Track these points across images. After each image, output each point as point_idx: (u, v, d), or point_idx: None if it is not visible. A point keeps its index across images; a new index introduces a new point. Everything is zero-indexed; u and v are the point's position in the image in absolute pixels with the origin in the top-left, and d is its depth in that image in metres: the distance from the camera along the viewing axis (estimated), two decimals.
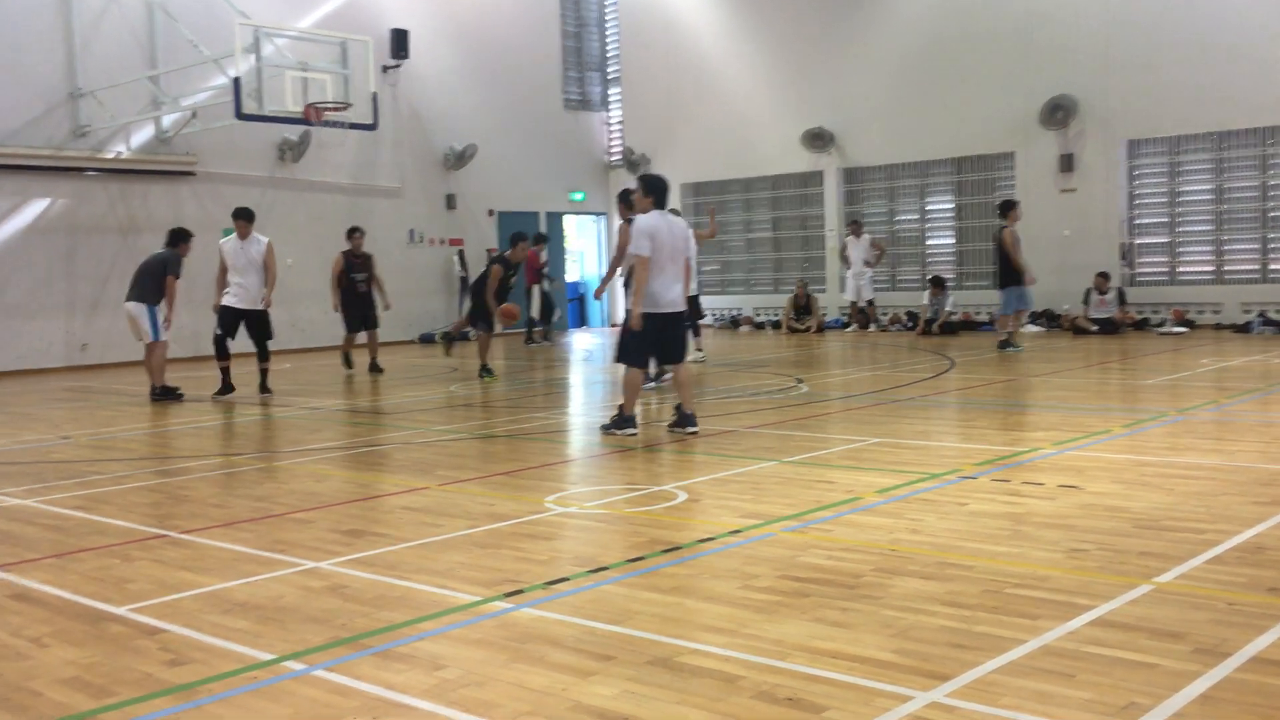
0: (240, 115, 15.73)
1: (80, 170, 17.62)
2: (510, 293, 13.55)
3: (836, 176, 22.08)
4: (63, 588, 4.84)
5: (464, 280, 22.26)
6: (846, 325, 20.99)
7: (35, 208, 17.20)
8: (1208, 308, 18.00)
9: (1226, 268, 18.18)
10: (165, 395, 12.41)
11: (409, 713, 3.31)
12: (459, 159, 22.39)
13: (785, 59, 22.41)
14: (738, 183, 23.56)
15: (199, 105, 17.87)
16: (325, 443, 9.09)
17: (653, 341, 8.62)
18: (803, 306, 21.18)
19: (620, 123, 25.57)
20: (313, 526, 5.90)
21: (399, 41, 21.09)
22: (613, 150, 25.81)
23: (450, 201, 22.58)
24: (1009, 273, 14.79)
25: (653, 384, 11.95)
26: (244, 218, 12.40)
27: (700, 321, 14.80)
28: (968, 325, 19.35)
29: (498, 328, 14.06)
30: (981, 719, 3.11)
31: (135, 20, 18.20)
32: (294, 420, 10.68)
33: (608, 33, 25.84)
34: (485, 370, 13.57)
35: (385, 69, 20.93)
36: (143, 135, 18.37)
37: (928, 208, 21.39)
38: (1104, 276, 17.81)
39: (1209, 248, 18.32)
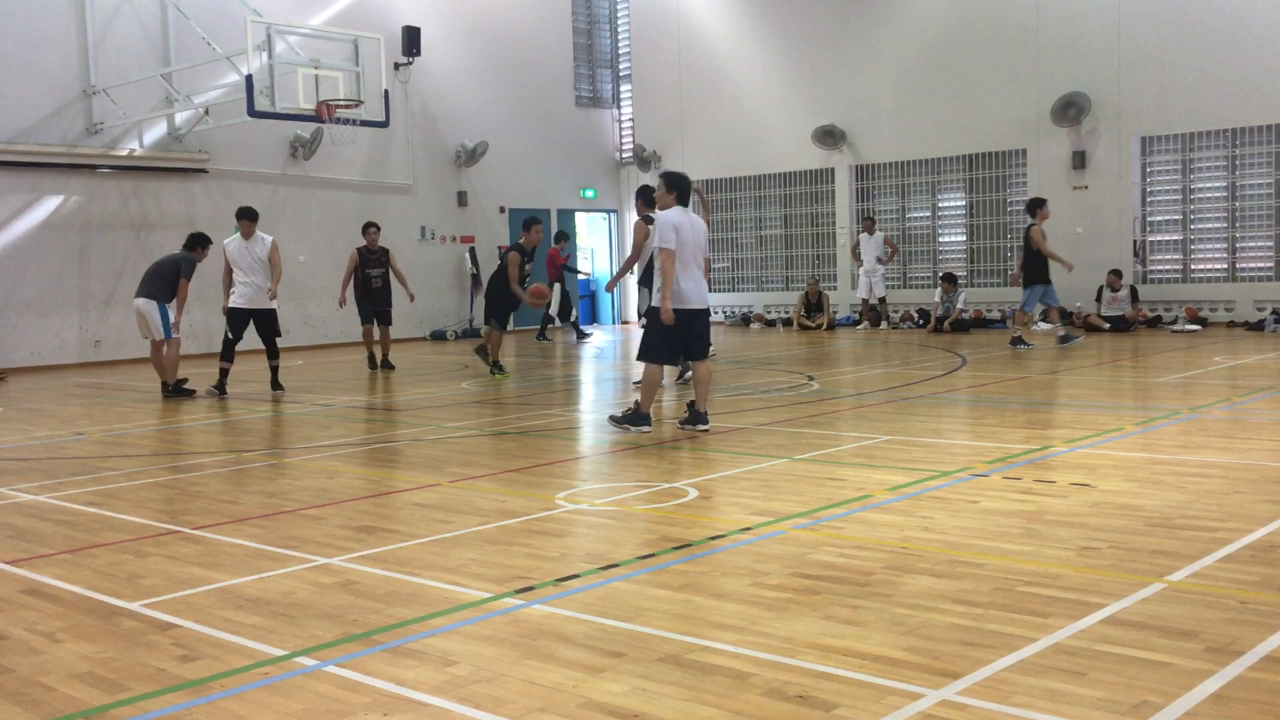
0: (252, 113, 15.76)
1: (93, 167, 17.69)
2: (529, 279, 13.61)
3: (848, 174, 22.05)
4: (76, 583, 4.86)
5: (475, 277, 22.30)
6: (858, 322, 20.96)
7: (49, 205, 17.28)
8: (1220, 305, 17.93)
9: (1240, 265, 18.10)
10: (179, 392, 12.45)
11: (420, 709, 3.32)
12: (470, 156, 22.41)
13: (797, 56, 22.38)
14: (749, 180, 23.53)
15: (211, 102, 17.93)
16: (337, 439, 9.11)
17: (678, 337, 8.57)
18: (814, 304, 21.15)
19: (631, 120, 25.57)
20: (324, 523, 5.91)
21: (411, 39, 21.12)
22: (624, 147, 25.80)
23: (462, 199, 22.61)
24: (1036, 270, 14.68)
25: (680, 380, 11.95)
26: (248, 217, 12.42)
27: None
28: (979, 322, 19.30)
29: (510, 324, 14.12)
30: (993, 717, 3.10)
31: (148, 18, 18.26)
32: (306, 417, 10.70)
33: (619, 30, 25.83)
34: (497, 367, 13.60)
35: (397, 66, 20.97)
36: (155, 132, 18.44)
37: (939, 205, 21.34)
38: (1116, 274, 17.76)
39: (1222, 245, 18.25)
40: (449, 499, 6.44)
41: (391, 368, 14.84)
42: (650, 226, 11.56)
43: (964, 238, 20.98)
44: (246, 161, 19.29)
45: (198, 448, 9.19)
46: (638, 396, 8.89)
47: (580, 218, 25.14)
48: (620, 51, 25.86)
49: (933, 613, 4.00)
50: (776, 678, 3.44)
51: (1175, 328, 17.33)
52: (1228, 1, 17.42)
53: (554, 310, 20.34)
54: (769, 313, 22.82)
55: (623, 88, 25.89)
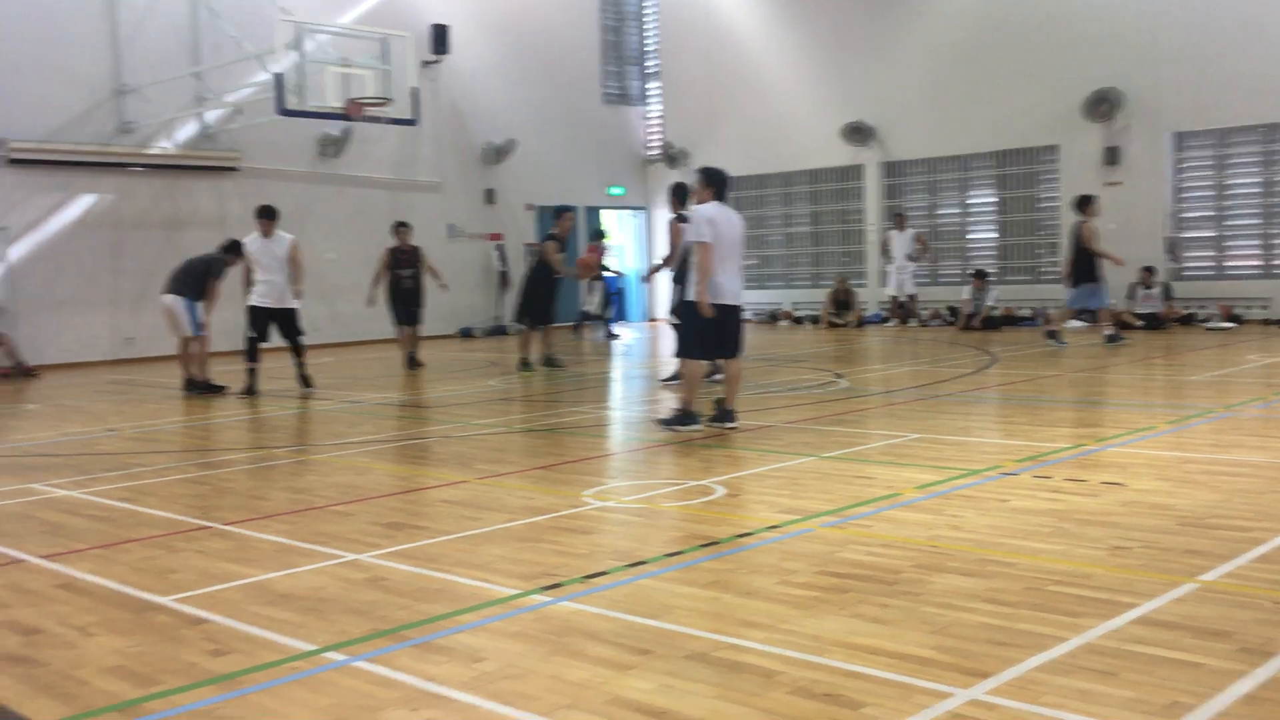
0: (282, 111, 15.87)
1: (125, 166, 17.85)
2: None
3: (877, 170, 21.95)
4: (109, 578, 4.91)
5: (503, 275, 22.36)
6: (886, 320, 20.86)
7: (82, 203, 17.45)
8: (1255, 303, 17.72)
9: (1275, 262, 17.88)
10: (209, 389, 12.54)
11: (448, 704, 3.33)
12: (498, 154, 22.46)
13: (825, 52, 22.29)
14: (777, 176, 23.46)
15: (242, 101, 18.06)
16: (365, 436, 9.16)
17: (713, 334, 8.47)
18: (842, 301, 21.07)
19: (659, 117, 25.55)
20: (353, 519, 5.94)
21: (439, 37, 21.17)
22: (651, 145, 25.78)
23: (490, 196, 22.67)
24: (1085, 269, 14.45)
25: (676, 381, 11.95)
26: (268, 216, 12.39)
27: None
28: (1009, 320, 19.16)
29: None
30: (1022, 717, 3.08)
31: (179, 17, 18.40)
32: (334, 414, 10.77)
33: (647, 27, 25.81)
34: (525, 364, 13.67)
35: (425, 64, 21.01)
36: (186, 131, 18.58)
37: (969, 202, 21.21)
38: (1149, 271, 17.58)
39: (1257, 242, 18.04)
40: (477, 496, 6.46)
41: (419, 365, 14.82)
42: (683, 224, 11.58)
43: (995, 234, 20.83)
44: (276, 160, 19.41)
45: (228, 444, 9.26)
46: (679, 394, 8.78)
47: (608, 215, 25.15)
48: (648, 48, 25.84)
49: (962, 612, 3.98)
50: (804, 676, 3.43)
51: (1209, 325, 17.15)
52: None
53: (596, 307, 20.32)
54: (797, 310, 22.75)
55: (651, 85, 25.87)
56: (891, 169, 21.90)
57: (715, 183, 8.55)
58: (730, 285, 8.39)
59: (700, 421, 8.46)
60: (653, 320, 24.77)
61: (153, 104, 17.68)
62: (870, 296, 21.86)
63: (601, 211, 24.65)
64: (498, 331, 22.12)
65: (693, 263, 8.43)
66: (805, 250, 23.35)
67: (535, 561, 4.89)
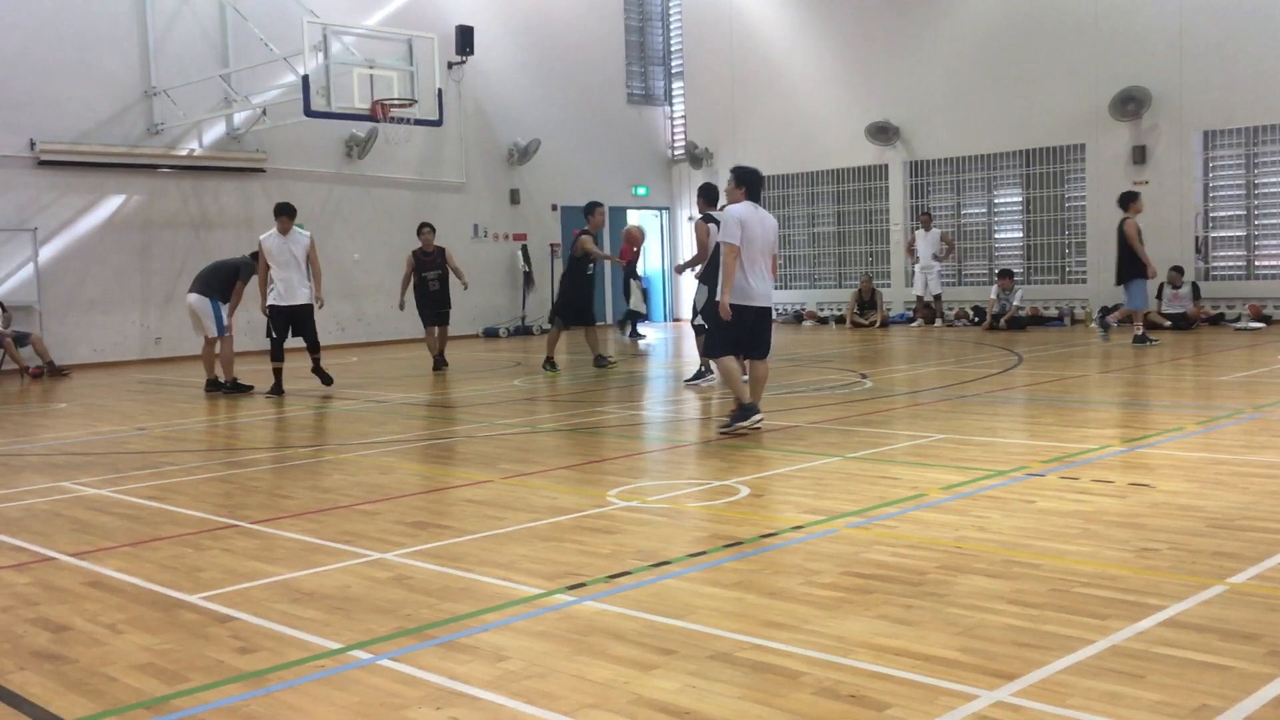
0: (309, 112, 15.98)
1: (154, 167, 18.01)
2: (595, 266, 13.96)
3: (902, 170, 21.86)
4: (137, 575, 4.95)
5: (527, 275, 22.42)
6: (911, 320, 20.78)
7: (111, 204, 17.61)
8: None
9: None
10: (236, 389, 12.63)
11: (472, 703, 3.34)
12: (523, 154, 22.52)
13: (849, 51, 22.23)
14: (801, 176, 23.41)
15: (269, 103, 18.18)
16: (391, 436, 9.20)
17: (742, 334, 8.40)
18: (867, 301, 21.01)
19: (683, 117, 25.54)
20: (379, 518, 5.97)
21: (464, 38, 21.25)
22: (676, 144, 25.79)
23: (514, 196, 22.73)
24: (1131, 266, 14.29)
25: (703, 380, 11.92)
26: (286, 213, 12.32)
27: None
28: (1036, 320, 19.05)
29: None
30: (1048, 719, 3.06)
31: (207, 20, 18.55)
32: (360, 413, 10.82)
33: (671, 27, 25.82)
34: (550, 364, 13.71)
35: (450, 65, 21.11)
36: (214, 133, 18.73)
37: (995, 201, 21.10)
38: (1178, 271, 17.43)
39: None
40: (501, 495, 6.47)
41: (445, 365, 14.85)
42: (710, 225, 11.56)
43: (1021, 234, 20.72)
44: (303, 161, 19.53)
45: (255, 443, 9.32)
46: (730, 392, 8.62)
47: (632, 215, 25.15)
48: (672, 49, 25.84)
49: (987, 613, 3.96)
50: (829, 677, 3.42)
51: (1238, 325, 16.99)
52: None
53: (635, 304, 20.31)
54: (821, 310, 22.69)
55: (674, 85, 25.88)
56: (916, 168, 21.82)
57: (746, 182, 8.47)
58: (760, 287, 8.33)
59: (758, 409, 8.31)
60: (677, 320, 24.77)
61: (181, 106, 17.82)
62: (895, 296, 21.78)
63: (628, 212, 24.67)
64: (522, 331, 22.17)
65: (721, 263, 8.36)
66: (830, 250, 23.29)
67: (559, 561, 4.90)
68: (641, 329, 20.36)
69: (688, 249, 22.75)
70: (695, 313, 12.19)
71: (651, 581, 4.54)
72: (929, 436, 7.94)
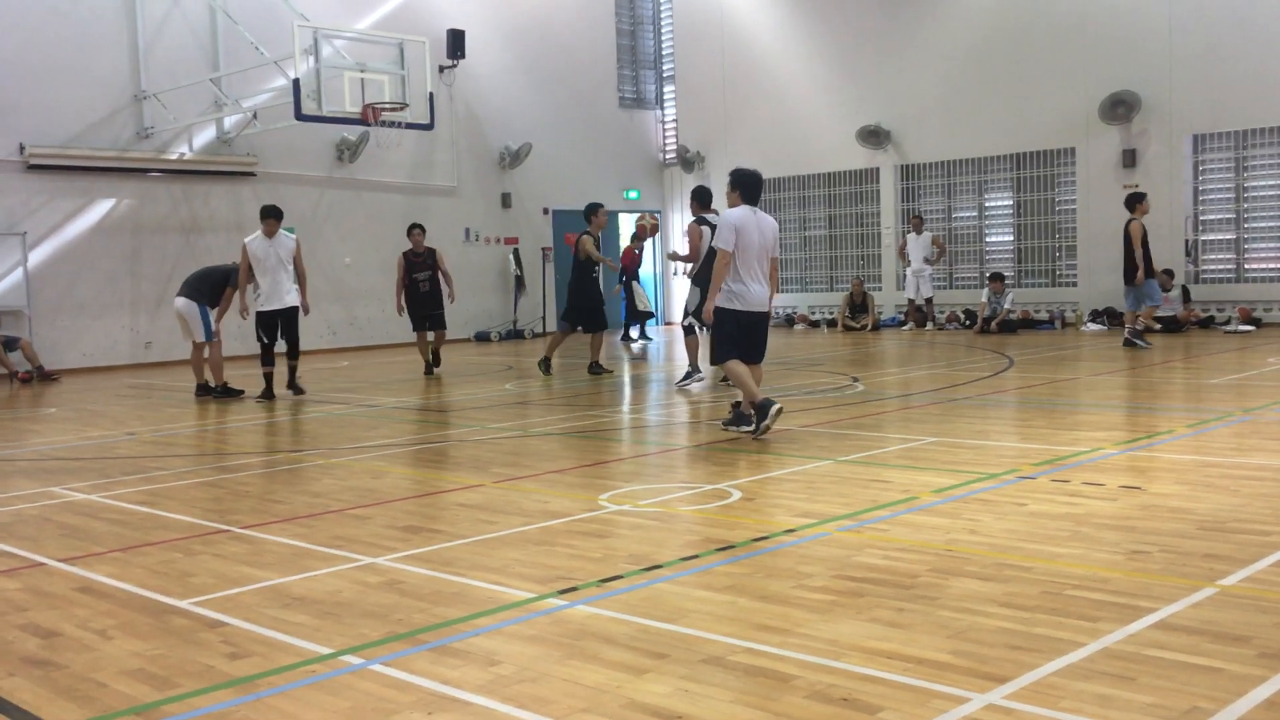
0: (300, 116, 15.95)
1: (144, 171, 17.96)
2: (599, 268, 13.90)
3: (893, 173, 21.91)
4: (127, 581, 4.94)
5: (519, 279, 22.41)
6: (903, 323, 20.81)
7: (101, 208, 17.57)
8: (1275, 305, 17.62)
9: None
10: (226, 393, 12.60)
11: (464, 708, 3.34)
12: (514, 158, 22.52)
13: (841, 55, 22.27)
14: (793, 180, 23.45)
15: (259, 106, 18.15)
16: (382, 440, 9.19)
17: (741, 339, 8.34)
18: (859, 304, 21.03)
19: (674, 121, 25.56)
20: (370, 523, 5.96)
21: (455, 42, 21.23)
22: (667, 148, 25.81)
23: (506, 200, 22.72)
24: (1147, 265, 14.28)
25: (692, 381, 11.92)
26: (273, 216, 12.22)
27: None
28: (1027, 323, 19.10)
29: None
30: None
31: (197, 23, 18.52)
32: (351, 418, 10.80)
33: (662, 31, 25.84)
34: (545, 364, 13.71)
35: (442, 69, 21.10)
36: (205, 136, 18.70)
37: (986, 205, 21.15)
38: (1168, 274, 17.48)
39: (1277, 244, 17.93)
40: (493, 499, 6.47)
41: (438, 364, 14.73)
42: (703, 227, 11.58)
43: (1011, 238, 20.77)
44: (294, 165, 19.50)
45: (245, 448, 9.30)
46: (743, 397, 8.50)
47: (624, 219, 25.15)
48: (663, 52, 25.87)
49: (979, 616, 3.96)
50: (821, 680, 3.42)
51: (1228, 328, 17.05)
52: None
53: (644, 305, 20.30)
54: (813, 314, 22.72)
55: (666, 89, 25.90)
56: (908, 172, 21.86)
57: (740, 186, 8.37)
58: (755, 293, 8.27)
59: (775, 400, 8.22)
60: (668, 324, 24.78)
61: (171, 109, 17.79)
62: (887, 300, 21.82)
63: (619, 215, 24.67)
64: (514, 335, 22.16)
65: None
66: (821, 254, 23.32)
67: (551, 565, 4.90)
68: (634, 332, 20.33)
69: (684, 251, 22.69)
70: (686, 314, 12.21)
71: (643, 585, 4.54)
72: (920, 440, 7.95)
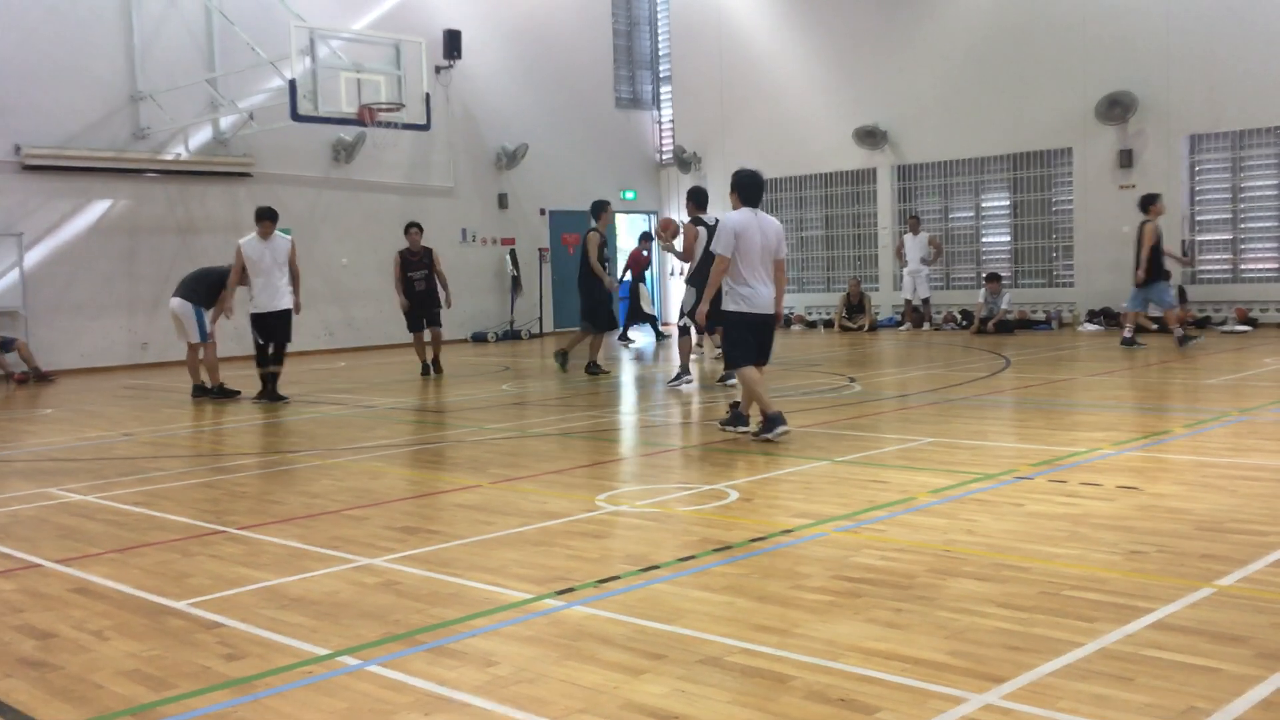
0: (296, 117, 15.93)
1: (140, 172, 17.94)
2: (607, 263, 13.76)
3: (890, 174, 21.92)
4: (124, 582, 4.93)
5: (515, 279, 22.40)
6: (900, 324, 20.82)
7: (97, 209, 17.54)
8: (1271, 305, 17.64)
9: None
10: (223, 394, 12.58)
11: (461, 709, 3.33)
12: (511, 158, 22.51)
13: (838, 56, 22.27)
14: (790, 180, 23.45)
15: (256, 107, 18.13)
16: (379, 440, 9.18)
17: (752, 341, 8.22)
18: (855, 305, 21.04)
19: (671, 121, 25.57)
20: (367, 523, 5.95)
21: (452, 42, 21.23)
22: (664, 149, 25.81)
23: (502, 201, 22.71)
24: (1157, 267, 14.24)
25: (682, 382, 11.92)
26: (269, 217, 12.12)
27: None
28: (1023, 324, 19.11)
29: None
30: None
31: (194, 24, 18.50)
32: (349, 418, 10.79)
33: (659, 31, 25.85)
34: (562, 360, 13.62)
35: (438, 70, 21.09)
36: (201, 137, 18.67)
37: (982, 205, 21.15)
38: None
39: (1273, 244, 17.95)
40: (490, 500, 6.46)
41: (440, 371, 14.64)
42: (698, 229, 11.58)
43: (1008, 238, 20.78)
44: (290, 165, 19.48)
45: (242, 449, 9.29)
46: (754, 402, 8.37)
47: (620, 219, 25.15)
48: (660, 53, 25.87)
49: (976, 616, 3.96)
50: (818, 680, 3.42)
51: (1225, 328, 17.07)
52: None
53: (648, 307, 20.29)
54: (810, 314, 22.72)
55: (663, 89, 25.90)
56: (905, 172, 21.87)
57: (740, 188, 8.25)
58: (762, 295, 8.16)
59: (788, 424, 8.10)
60: (665, 324, 24.77)
61: (167, 110, 17.77)
62: (883, 300, 21.82)
63: (616, 216, 24.62)
64: (511, 336, 22.15)
65: (730, 271, 8.15)
66: (818, 254, 23.32)
67: (548, 566, 4.89)
68: (631, 333, 20.32)
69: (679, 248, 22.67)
70: (682, 314, 12.20)
71: (641, 586, 4.54)
72: (917, 440, 7.95)
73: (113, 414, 11.82)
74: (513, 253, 22.56)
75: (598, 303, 13.56)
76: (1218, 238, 18.43)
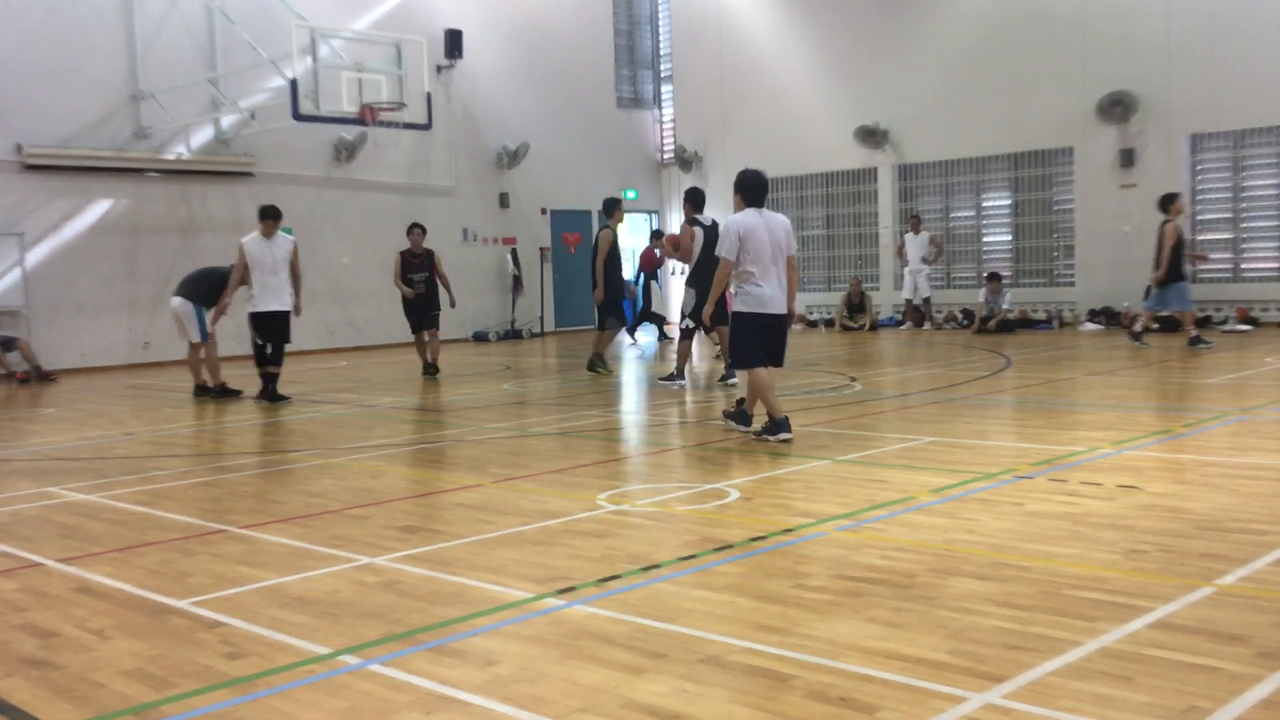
0: (297, 116, 15.94)
1: (141, 171, 17.95)
2: (622, 262, 13.71)
3: (891, 173, 21.91)
4: (125, 581, 4.93)
5: (516, 279, 22.40)
6: (901, 323, 20.82)
7: (99, 208, 17.55)
8: (1272, 305, 17.63)
9: None
10: (224, 394, 12.58)
11: (462, 708, 3.34)
12: (512, 158, 22.51)
13: (838, 55, 22.27)
14: (791, 180, 23.44)
15: (257, 106, 18.14)
16: (380, 440, 9.18)
17: (762, 342, 8.13)
18: (856, 304, 21.03)
19: (672, 120, 25.57)
20: (368, 523, 5.96)
21: (453, 41, 21.23)
22: (665, 148, 25.81)
23: (503, 200, 22.72)
24: (1175, 267, 14.20)
25: (674, 383, 11.90)
26: (271, 216, 12.04)
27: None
28: (1024, 323, 19.11)
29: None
30: None
31: (195, 23, 18.51)
32: (350, 418, 10.79)
33: (660, 30, 25.85)
34: (601, 363, 13.52)
35: (439, 69, 21.10)
36: (202, 136, 18.68)
37: (983, 204, 21.15)
38: None
39: (1274, 244, 17.94)
40: (491, 499, 6.47)
41: (437, 371, 14.59)
42: (695, 229, 11.57)
43: (1009, 237, 20.78)
44: (291, 165, 19.48)
45: (243, 448, 9.30)
46: (763, 405, 8.31)
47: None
48: (661, 52, 25.87)
49: (977, 616, 3.97)
50: (819, 680, 3.42)
51: (1226, 328, 17.07)
52: None
53: (657, 306, 20.26)
54: (811, 313, 22.72)
55: (664, 89, 25.90)
56: (905, 172, 21.87)
57: (742, 189, 8.16)
58: (774, 294, 8.06)
59: (791, 431, 8.03)
60: (666, 324, 24.77)
61: (168, 110, 17.77)
62: (884, 299, 21.82)
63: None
64: (512, 335, 22.16)
65: (736, 272, 8.06)
66: (819, 253, 23.32)
67: (549, 565, 4.90)
68: (641, 331, 20.32)
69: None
70: (683, 316, 12.20)
71: (642, 585, 4.54)
72: (918, 439, 7.95)
73: (114, 413, 11.83)
74: (514, 252, 22.57)
75: (618, 297, 13.49)
76: (1218, 237, 18.42)
